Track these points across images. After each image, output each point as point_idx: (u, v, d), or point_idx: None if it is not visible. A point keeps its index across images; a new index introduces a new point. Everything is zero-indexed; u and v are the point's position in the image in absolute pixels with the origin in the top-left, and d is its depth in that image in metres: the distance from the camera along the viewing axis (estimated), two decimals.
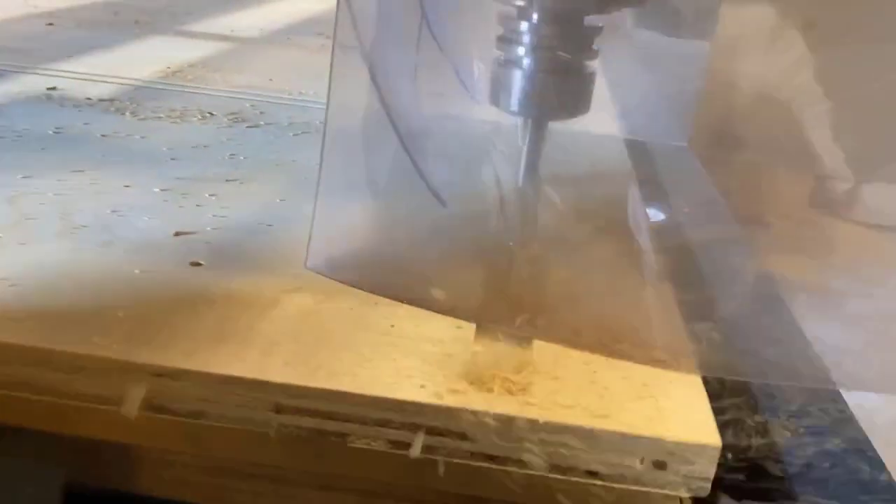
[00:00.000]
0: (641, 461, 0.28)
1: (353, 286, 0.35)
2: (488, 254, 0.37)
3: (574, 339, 0.33)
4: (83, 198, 0.43)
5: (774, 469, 0.30)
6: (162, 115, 0.60)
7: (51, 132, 0.54)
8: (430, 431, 0.29)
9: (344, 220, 0.38)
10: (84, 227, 0.40)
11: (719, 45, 0.32)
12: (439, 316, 0.34)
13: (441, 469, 0.29)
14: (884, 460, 0.33)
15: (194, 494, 0.32)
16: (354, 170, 0.38)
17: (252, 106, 0.64)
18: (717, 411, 0.30)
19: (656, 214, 0.36)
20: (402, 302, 0.34)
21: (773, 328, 0.34)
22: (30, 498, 0.31)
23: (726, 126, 0.33)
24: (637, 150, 0.38)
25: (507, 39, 0.36)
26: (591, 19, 0.36)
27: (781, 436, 0.32)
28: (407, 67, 0.38)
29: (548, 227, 0.36)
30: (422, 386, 0.29)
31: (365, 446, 0.29)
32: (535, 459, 0.29)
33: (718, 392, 0.32)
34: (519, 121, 0.36)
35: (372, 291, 0.35)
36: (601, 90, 0.36)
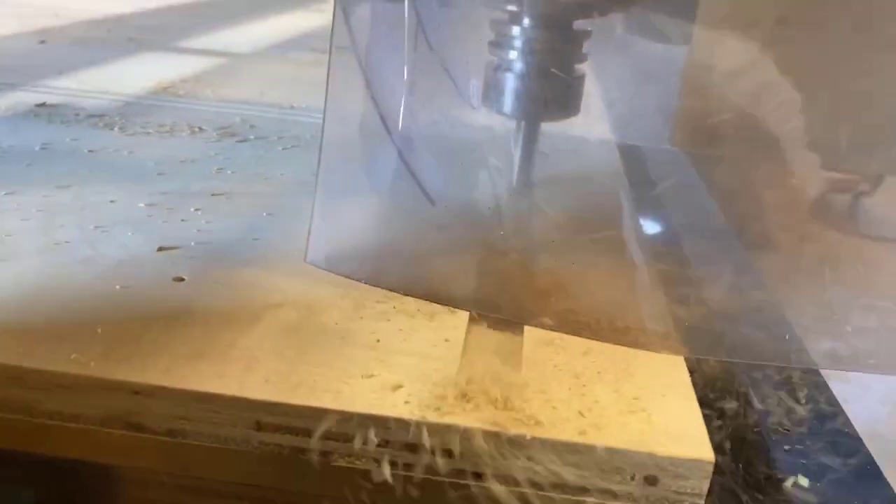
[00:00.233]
0: (632, 477, 0.27)
1: (351, 278, 0.37)
2: (481, 246, 0.38)
3: (567, 324, 0.34)
4: (67, 213, 0.43)
5: None
6: (151, 130, 0.59)
7: (37, 148, 0.53)
8: (415, 449, 0.28)
9: (341, 218, 0.39)
10: (66, 242, 0.39)
11: (696, 45, 0.33)
12: (425, 330, 0.34)
13: (427, 487, 0.28)
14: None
15: None
16: (351, 170, 0.39)
17: (242, 120, 0.64)
18: None
19: (646, 213, 0.37)
20: (397, 292, 0.36)
21: (753, 312, 0.35)
22: None
23: (703, 123, 0.35)
24: (628, 152, 0.38)
25: (500, 44, 0.37)
26: (580, 24, 0.37)
27: None
28: (401, 71, 0.39)
29: (541, 222, 0.38)
30: (407, 402, 0.29)
31: (347, 465, 0.29)
32: (524, 476, 0.28)
33: None
34: (512, 122, 0.37)
35: (368, 283, 0.36)
36: (594, 99, 0.38)
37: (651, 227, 0.37)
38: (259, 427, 0.29)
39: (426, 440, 0.28)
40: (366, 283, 0.36)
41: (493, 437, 0.28)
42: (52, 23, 1.04)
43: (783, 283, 0.37)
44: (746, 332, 0.34)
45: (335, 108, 0.38)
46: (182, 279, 0.36)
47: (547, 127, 0.38)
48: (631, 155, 0.38)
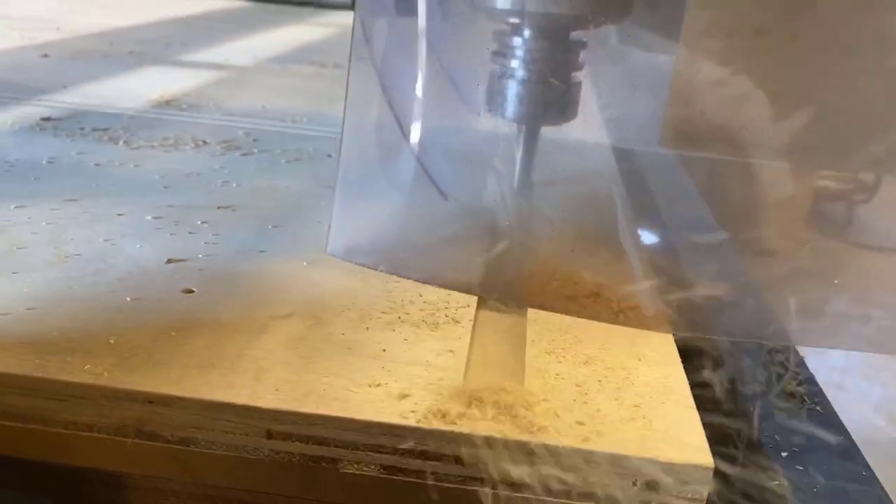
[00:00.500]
0: (634, 482, 0.28)
1: (369, 268, 0.41)
2: (487, 236, 0.41)
3: (566, 306, 0.37)
4: (76, 226, 0.43)
5: None
6: (155, 144, 0.60)
7: (44, 162, 0.54)
8: (422, 456, 0.29)
9: (359, 213, 0.43)
10: (76, 255, 0.40)
11: (681, 54, 0.36)
12: (430, 340, 0.35)
13: (434, 493, 0.29)
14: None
15: None
16: (368, 168, 0.43)
17: (245, 134, 0.65)
18: None
19: (637, 208, 0.40)
20: (410, 279, 0.40)
21: (734, 295, 0.38)
22: None
23: (687, 126, 0.37)
24: (621, 154, 0.41)
25: (502, 54, 0.40)
26: (576, 35, 0.40)
27: None
28: (414, 79, 0.42)
29: (542, 215, 0.42)
30: (413, 410, 0.29)
31: (357, 472, 0.29)
32: (529, 482, 0.29)
33: None
34: (514, 126, 0.41)
35: (384, 271, 0.40)
36: (590, 104, 0.41)
37: (641, 220, 0.40)
38: (270, 435, 0.29)
39: (433, 447, 0.29)
40: (381, 271, 0.40)
41: (499, 443, 0.28)
42: (53, 37, 1.05)
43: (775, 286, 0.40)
44: (727, 312, 0.37)
45: (354, 111, 0.41)
46: (191, 291, 0.37)
47: (546, 131, 0.41)
48: (624, 157, 0.41)
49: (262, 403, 0.29)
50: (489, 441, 0.29)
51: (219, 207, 0.48)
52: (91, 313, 0.34)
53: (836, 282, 0.40)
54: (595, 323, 0.37)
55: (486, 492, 0.29)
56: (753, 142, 0.36)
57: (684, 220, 0.41)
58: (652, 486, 0.28)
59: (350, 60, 0.41)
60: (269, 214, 0.47)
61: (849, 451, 0.36)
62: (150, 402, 0.29)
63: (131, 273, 0.39)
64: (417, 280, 0.40)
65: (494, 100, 0.41)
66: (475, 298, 0.39)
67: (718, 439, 0.32)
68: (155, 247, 0.42)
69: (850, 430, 0.38)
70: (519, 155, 0.41)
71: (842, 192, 0.41)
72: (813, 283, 0.40)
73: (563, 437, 0.29)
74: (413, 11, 0.41)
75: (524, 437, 0.28)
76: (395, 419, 0.29)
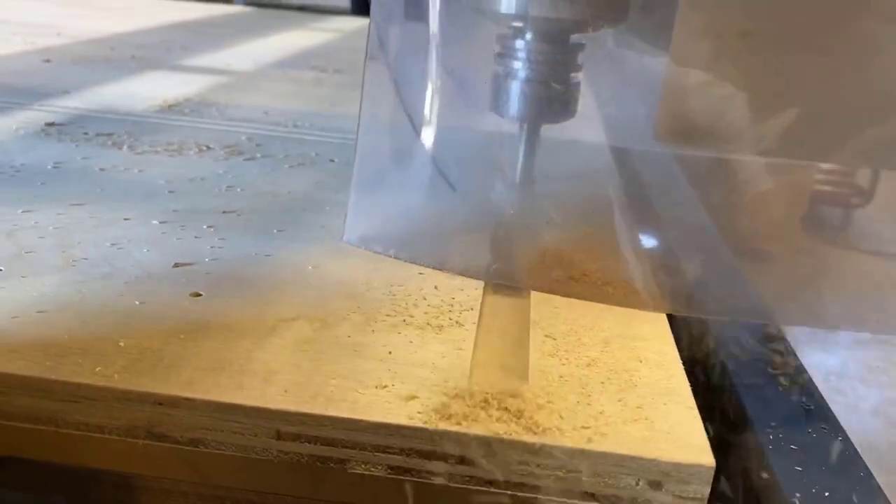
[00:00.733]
0: (637, 482, 0.29)
1: (383, 255, 0.43)
2: (493, 226, 0.45)
3: (566, 289, 0.40)
4: (83, 231, 0.44)
5: None
6: (159, 149, 0.60)
7: (50, 167, 0.54)
8: (429, 456, 0.29)
9: (374, 203, 0.46)
10: (84, 259, 0.40)
11: (673, 55, 0.38)
12: (435, 343, 0.35)
13: (440, 493, 0.29)
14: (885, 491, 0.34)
15: None
16: (382, 162, 0.46)
17: (248, 139, 0.65)
18: None
19: (633, 199, 0.44)
20: (422, 265, 0.43)
21: (721, 277, 0.41)
22: None
23: (678, 123, 0.39)
24: (616, 152, 0.45)
25: (505, 56, 0.43)
26: (575, 38, 0.42)
27: None
28: (424, 79, 0.45)
29: (543, 206, 0.45)
30: (420, 411, 0.30)
31: (364, 472, 0.30)
32: (534, 482, 0.29)
33: None
34: (516, 124, 0.43)
35: (396, 258, 0.43)
36: (588, 104, 0.44)
37: (633, 210, 0.43)
38: (279, 436, 0.30)
39: (439, 448, 0.29)
40: (394, 258, 0.43)
41: (504, 444, 0.29)
42: (55, 42, 1.05)
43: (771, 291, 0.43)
44: (715, 293, 0.41)
45: (369, 109, 0.44)
46: (199, 294, 0.38)
47: (546, 130, 0.44)
48: (619, 155, 0.44)
49: (272, 405, 0.29)
50: (494, 442, 0.29)
51: (224, 212, 0.48)
52: (100, 316, 0.35)
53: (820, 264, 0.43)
54: (598, 326, 0.38)
55: (491, 492, 0.29)
56: (740, 136, 0.38)
57: (673, 210, 0.45)
58: (655, 485, 0.29)
59: (365, 62, 0.43)
60: (274, 219, 0.48)
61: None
62: (161, 403, 0.30)
63: (139, 277, 0.39)
64: (428, 266, 0.42)
65: (498, 99, 0.43)
66: (478, 301, 0.39)
67: None
68: (161, 251, 0.42)
69: (848, 433, 0.39)
70: (521, 151, 0.44)
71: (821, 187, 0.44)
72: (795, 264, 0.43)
73: (567, 437, 0.29)
74: (421, 17, 0.43)
75: (529, 438, 0.29)
76: (402, 420, 0.29)
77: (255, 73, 0.95)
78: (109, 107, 0.72)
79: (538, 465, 0.29)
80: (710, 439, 0.30)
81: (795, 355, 0.42)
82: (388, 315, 0.37)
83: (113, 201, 0.49)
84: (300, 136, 0.68)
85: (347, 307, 0.38)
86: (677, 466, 0.28)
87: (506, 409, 0.30)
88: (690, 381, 0.34)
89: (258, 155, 0.61)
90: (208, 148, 0.62)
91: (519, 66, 0.42)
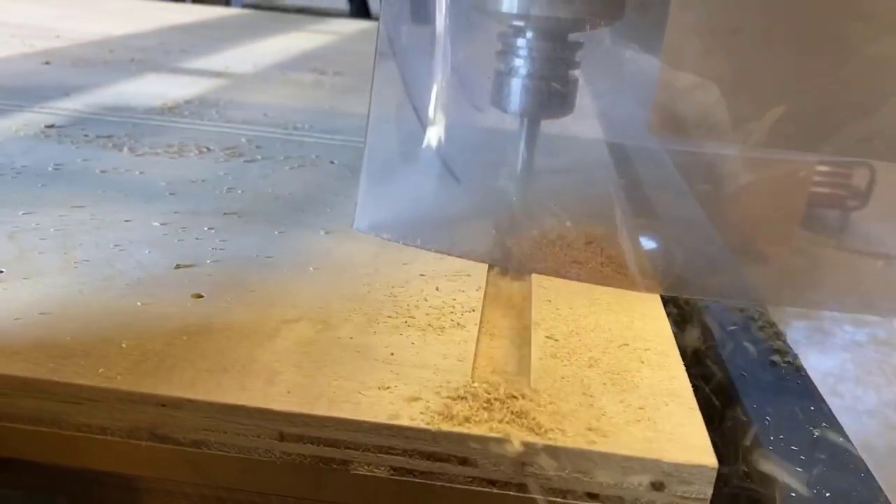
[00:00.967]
0: (640, 483, 0.29)
1: (392, 241, 0.46)
2: (495, 213, 0.47)
3: (564, 271, 0.43)
4: (84, 233, 0.44)
5: None
6: (159, 151, 0.60)
7: (50, 168, 0.54)
8: (431, 457, 0.29)
9: (382, 193, 0.48)
10: (86, 261, 0.40)
11: (666, 52, 0.40)
12: (436, 344, 0.35)
13: (443, 494, 0.30)
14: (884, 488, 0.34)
15: None
16: (390, 154, 0.48)
17: (248, 141, 0.65)
18: None
19: (628, 190, 0.46)
20: (428, 250, 0.45)
21: (710, 260, 0.44)
22: None
23: (672, 114, 0.41)
24: (613, 147, 0.47)
25: (506, 53, 0.45)
26: (574, 37, 0.44)
27: None
28: (430, 75, 0.47)
29: (542, 196, 0.47)
30: (422, 412, 0.30)
31: (367, 473, 0.30)
32: (536, 483, 0.29)
33: None
34: (517, 119, 0.46)
35: (404, 243, 0.46)
36: (586, 100, 0.46)
37: (631, 199, 0.46)
38: (282, 437, 0.30)
39: (442, 449, 0.29)
40: (402, 243, 0.46)
41: (506, 445, 0.29)
42: (54, 44, 1.05)
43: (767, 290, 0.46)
44: (703, 276, 0.43)
45: (378, 104, 0.47)
46: (200, 296, 0.38)
47: (546, 127, 0.47)
48: (616, 150, 0.47)
49: (275, 406, 0.30)
50: (497, 443, 0.29)
51: (225, 213, 0.48)
52: (102, 318, 0.35)
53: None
54: (599, 327, 0.38)
55: (494, 493, 0.30)
56: (729, 129, 0.40)
57: (663, 199, 0.47)
58: (657, 486, 0.29)
59: (375, 61, 0.46)
60: (275, 220, 0.48)
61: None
62: (163, 405, 0.30)
63: (140, 278, 0.39)
64: (435, 251, 0.45)
65: (500, 95, 0.45)
66: (480, 303, 0.40)
67: None
68: (163, 252, 0.42)
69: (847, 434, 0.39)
70: (522, 144, 0.46)
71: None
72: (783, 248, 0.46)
73: (570, 438, 0.29)
74: (427, 18, 0.45)
75: (531, 439, 0.29)
76: (404, 421, 0.29)
77: (254, 76, 0.95)
78: (109, 109, 0.72)
79: (541, 466, 0.29)
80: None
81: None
82: (389, 316, 0.37)
83: (114, 203, 0.49)
84: (300, 138, 0.68)
85: (349, 308, 0.38)
86: (679, 467, 0.28)
87: (508, 410, 0.30)
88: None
89: (258, 157, 0.61)
90: (208, 150, 0.62)
91: (520, 63, 0.44)
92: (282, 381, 0.31)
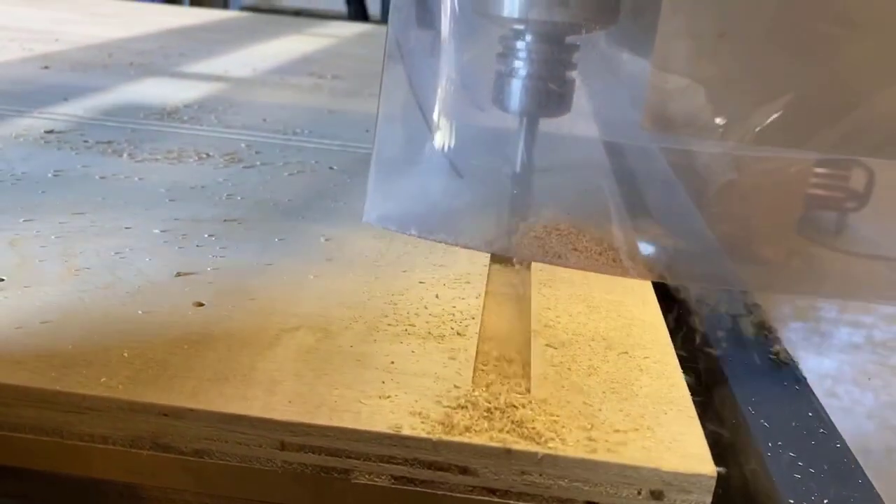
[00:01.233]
0: (639, 492, 0.29)
1: (399, 232, 0.49)
2: (497, 206, 0.50)
3: (562, 259, 0.46)
4: (84, 240, 0.44)
5: None
6: (159, 157, 0.61)
7: (50, 175, 0.55)
8: (432, 466, 0.30)
9: (390, 187, 0.51)
10: (86, 269, 0.41)
11: (657, 54, 0.42)
12: (436, 352, 0.35)
13: (443, 503, 0.30)
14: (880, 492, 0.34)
15: None
16: (397, 150, 0.51)
17: (247, 146, 0.65)
18: None
19: (623, 185, 0.48)
20: (433, 240, 0.48)
21: (698, 249, 0.46)
22: None
23: (663, 112, 0.43)
24: (609, 147, 0.49)
25: (506, 55, 0.47)
26: (571, 39, 0.47)
27: None
28: (436, 77, 0.49)
29: (540, 189, 0.50)
30: (423, 421, 0.30)
31: (368, 482, 0.30)
32: (536, 492, 0.29)
33: None
34: (516, 118, 0.48)
35: (411, 234, 0.49)
36: (582, 101, 0.48)
37: (625, 193, 0.48)
38: (283, 447, 0.30)
39: (443, 458, 0.29)
40: (409, 234, 0.49)
41: (506, 454, 0.29)
42: (52, 48, 1.05)
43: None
44: (692, 263, 0.46)
45: (386, 102, 0.49)
46: (201, 304, 0.38)
47: (544, 126, 0.49)
48: (611, 147, 0.49)
49: (276, 415, 0.30)
50: (497, 451, 0.29)
51: (225, 220, 0.49)
52: (104, 326, 0.35)
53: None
54: (598, 335, 0.38)
55: (494, 501, 0.30)
56: (717, 127, 0.42)
57: (654, 191, 0.50)
58: (656, 495, 0.29)
59: (384, 63, 0.48)
60: (275, 227, 0.48)
61: None
62: (165, 414, 0.30)
63: (141, 287, 0.39)
64: (437, 241, 0.48)
65: (500, 95, 0.48)
66: (480, 311, 0.40)
67: None
68: (163, 260, 0.42)
69: (843, 436, 0.39)
70: (521, 142, 0.49)
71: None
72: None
73: (569, 447, 0.29)
74: (432, 24, 0.48)
75: (531, 448, 0.29)
76: (405, 431, 0.30)
77: (253, 80, 0.96)
78: (109, 114, 0.73)
79: (541, 475, 0.29)
80: None
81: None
82: (389, 324, 0.37)
83: (114, 210, 0.49)
84: (299, 143, 0.68)
85: (349, 316, 0.38)
86: (678, 476, 0.29)
87: (508, 419, 0.31)
88: None
89: (258, 162, 0.61)
90: (208, 155, 0.62)
91: (519, 64, 0.47)
92: (283, 390, 0.31)
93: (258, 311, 0.38)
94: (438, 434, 0.29)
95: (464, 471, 0.29)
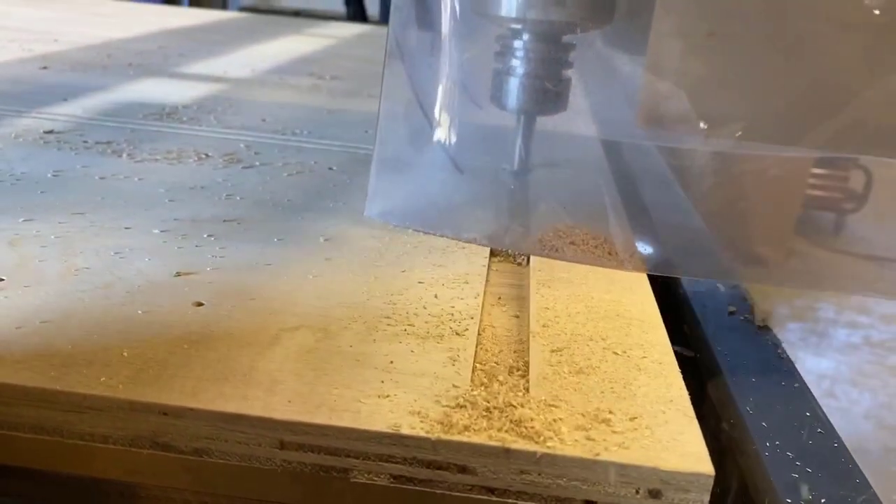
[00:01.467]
0: (637, 491, 0.29)
1: (400, 226, 0.50)
2: (496, 201, 0.52)
3: (560, 252, 0.47)
4: (84, 240, 0.44)
5: None
6: (158, 157, 0.61)
7: (50, 175, 0.55)
8: (431, 465, 0.30)
9: (392, 183, 0.52)
10: (86, 268, 0.41)
11: (650, 53, 0.43)
12: (435, 352, 0.35)
13: (442, 502, 0.30)
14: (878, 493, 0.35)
15: None
16: (398, 147, 0.52)
17: (246, 146, 0.65)
18: None
19: (619, 181, 0.50)
20: (433, 234, 0.49)
21: (691, 243, 0.47)
22: None
23: (657, 109, 0.44)
24: (606, 145, 0.51)
25: (504, 54, 0.48)
26: (567, 39, 0.48)
27: None
28: (436, 76, 0.50)
29: (538, 183, 0.52)
30: (422, 421, 0.30)
31: (367, 481, 0.30)
32: (535, 491, 0.30)
33: None
34: (513, 116, 0.50)
35: (411, 228, 0.50)
36: (579, 99, 0.49)
37: (620, 188, 0.50)
38: (282, 446, 0.30)
39: (441, 457, 0.30)
40: (409, 228, 0.49)
41: (505, 453, 0.29)
42: (51, 48, 1.05)
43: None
44: (686, 257, 0.47)
45: (388, 101, 0.50)
46: (201, 304, 0.38)
47: (542, 124, 0.50)
48: (610, 147, 0.51)
49: (276, 414, 0.30)
50: (496, 451, 0.29)
51: (224, 220, 0.49)
52: (104, 326, 0.35)
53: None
54: (597, 335, 0.38)
55: (493, 500, 0.30)
56: (708, 124, 0.43)
57: (650, 186, 0.51)
58: (654, 494, 0.29)
59: (385, 62, 0.49)
60: (274, 228, 0.48)
61: None
62: (165, 413, 0.30)
63: (141, 286, 0.39)
64: (437, 235, 0.49)
65: (498, 93, 0.49)
66: (478, 311, 0.40)
67: None
68: (163, 260, 0.42)
69: (841, 437, 0.39)
70: (519, 139, 0.50)
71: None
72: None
73: (568, 446, 0.29)
74: (431, 24, 0.49)
75: (529, 447, 0.29)
76: (404, 430, 0.30)
77: (252, 80, 0.96)
78: (108, 114, 0.73)
79: (539, 474, 0.29)
80: None
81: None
82: (388, 325, 0.38)
83: (113, 210, 0.49)
84: (298, 143, 0.68)
85: (348, 316, 0.38)
86: (676, 475, 0.29)
87: (507, 418, 0.31)
88: None
89: (257, 163, 0.61)
90: (207, 156, 0.62)
91: (517, 63, 0.47)
92: (282, 389, 0.31)
93: (258, 310, 0.38)
94: (437, 433, 0.30)
95: (463, 470, 0.30)
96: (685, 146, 0.46)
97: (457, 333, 0.37)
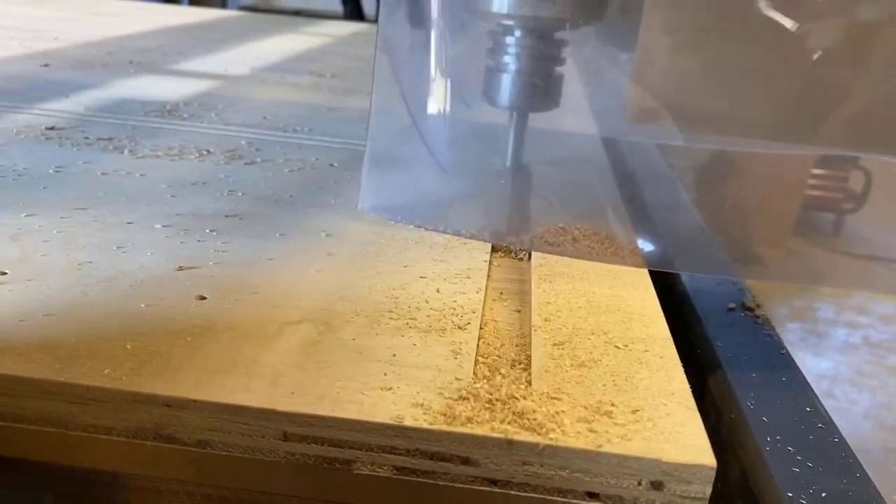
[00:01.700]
0: (640, 482, 0.29)
1: (392, 220, 0.50)
2: (489, 195, 0.52)
3: (559, 247, 0.47)
4: (86, 235, 0.44)
5: None
6: (160, 153, 0.61)
7: (51, 171, 0.55)
8: (434, 457, 0.30)
9: (383, 178, 0.52)
10: (89, 263, 0.41)
11: (640, 48, 0.43)
12: (438, 345, 0.35)
13: (445, 494, 0.30)
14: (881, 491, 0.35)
15: None
16: (390, 143, 0.53)
17: (248, 143, 0.65)
18: None
19: (618, 178, 0.51)
20: (425, 228, 0.49)
21: (690, 240, 0.48)
22: None
23: (646, 104, 0.44)
24: (603, 141, 0.52)
25: (496, 51, 0.48)
26: (559, 35, 0.48)
27: None
28: (423, 73, 0.50)
29: (533, 179, 0.52)
30: (425, 412, 0.30)
31: (370, 473, 0.30)
32: (537, 483, 0.30)
33: None
34: (506, 112, 0.50)
35: (403, 223, 0.50)
36: (571, 96, 0.50)
37: (616, 183, 0.50)
38: (285, 438, 0.30)
39: (444, 449, 0.30)
40: (401, 223, 0.50)
41: (508, 445, 0.29)
42: (52, 46, 1.05)
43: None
44: (684, 253, 0.48)
45: (378, 97, 0.50)
46: (204, 298, 0.38)
47: (536, 122, 0.51)
48: (608, 144, 0.52)
49: (279, 406, 0.30)
50: (498, 442, 0.29)
51: (226, 216, 0.49)
52: (107, 319, 0.35)
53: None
54: (599, 329, 0.38)
55: (495, 492, 0.30)
56: (696, 117, 0.44)
57: (648, 183, 0.52)
58: (656, 485, 0.29)
59: (374, 58, 0.49)
60: (276, 223, 0.48)
61: None
62: (169, 405, 0.30)
63: (144, 280, 0.39)
64: (429, 229, 0.49)
65: (490, 90, 0.49)
66: (480, 305, 0.40)
67: None
68: (165, 254, 0.42)
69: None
70: (511, 136, 0.50)
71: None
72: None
73: (570, 438, 0.30)
74: (420, 20, 0.49)
75: (532, 439, 0.29)
76: (407, 422, 0.30)
77: (252, 78, 0.96)
78: (109, 111, 0.73)
79: (542, 466, 0.29)
80: None
81: None
82: (390, 319, 0.38)
83: (115, 205, 0.49)
84: (299, 140, 0.68)
85: (351, 310, 0.38)
86: (678, 467, 0.29)
87: (509, 410, 0.31)
88: None
89: (258, 159, 0.61)
90: (209, 152, 0.62)
91: (508, 59, 0.48)
92: (285, 381, 0.32)
93: (260, 304, 0.38)
94: (440, 425, 0.30)
95: (465, 461, 0.30)
96: (674, 143, 0.47)
97: (459, 327, 0.37)
